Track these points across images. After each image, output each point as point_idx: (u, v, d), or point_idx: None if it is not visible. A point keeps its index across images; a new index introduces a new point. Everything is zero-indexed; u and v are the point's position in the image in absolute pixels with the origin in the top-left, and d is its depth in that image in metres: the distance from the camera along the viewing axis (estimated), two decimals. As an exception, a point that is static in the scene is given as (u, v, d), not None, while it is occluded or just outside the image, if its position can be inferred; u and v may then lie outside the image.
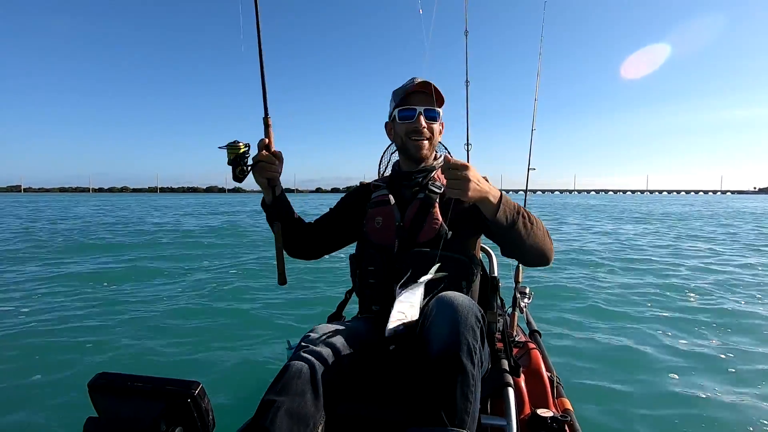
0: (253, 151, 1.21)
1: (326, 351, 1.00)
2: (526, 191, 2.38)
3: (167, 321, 3.57)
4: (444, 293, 1.04)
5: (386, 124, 1.41)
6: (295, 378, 0.93)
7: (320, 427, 0.94)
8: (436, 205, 1.27)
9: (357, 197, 1.43)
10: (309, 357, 0.97)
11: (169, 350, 2.91)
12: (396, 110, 1.31)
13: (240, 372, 2.59)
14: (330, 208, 1.45)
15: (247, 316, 3.71)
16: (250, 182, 1.25)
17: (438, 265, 1.10)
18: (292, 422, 0.87)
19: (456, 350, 0.91)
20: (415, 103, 1.29)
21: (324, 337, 1.05)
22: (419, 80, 1.29)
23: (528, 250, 1.13)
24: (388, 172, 1.58)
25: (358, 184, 1.49)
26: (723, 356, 2.75)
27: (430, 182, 1.31)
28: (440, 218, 1.25)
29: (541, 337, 1.84)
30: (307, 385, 0.93)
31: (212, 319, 3.61)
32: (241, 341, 3.09)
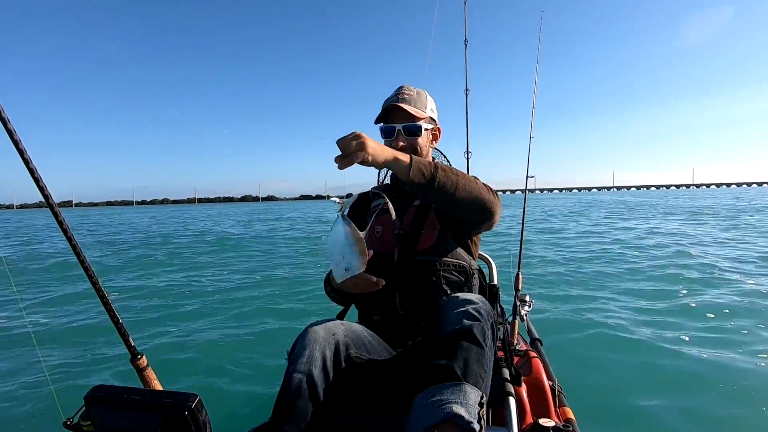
0: None
1: (324, 356, 0.98)
2: (525, 194, 2.40)
3: (164, 331, 3.55)
4: (456, 294, 1.08)
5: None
6: (296, 398, 0.92)
7: None
8: (432, 211, 1.28)
9: (358, 210, 1.43)
10: (305, 369, 0.95)
11: (167, 362, 2.89)
12: (380, 125, 1.31)
13: (238, 383, 2.56)
14: None
15: (246, 326, 3.69)
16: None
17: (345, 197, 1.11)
18: None
19: (470, 327, 0.93)
20: (394, 119, 1.28)
21: (321, 339, 1.02)
22: (401, 96, 1.28)
23: (463, 201, 1.10)
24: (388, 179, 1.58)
25: (357, 195, 1.48)
26: (742, 369, 2.65)
27: None
28: (438, 225, 1.25)
29: (542, 345, 1.83)
30: (308, 403, 0.93)
31: (210, 330, 3.58)
32: (239, 352, 3.06)
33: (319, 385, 0.95)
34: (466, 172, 1.15)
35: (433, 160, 1.11)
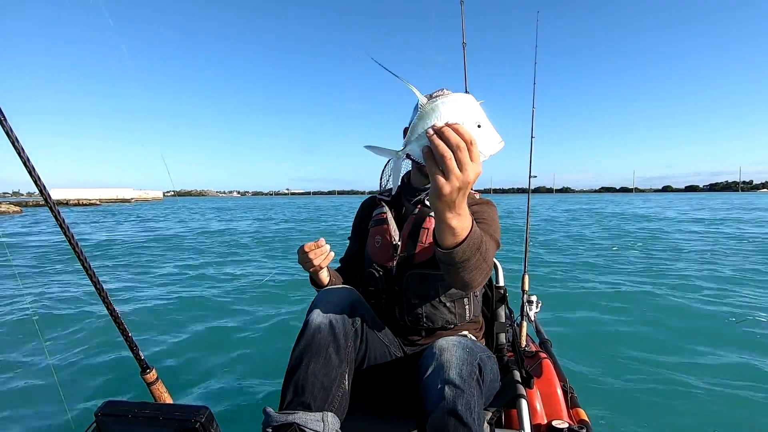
0: None
1: (342, 307, 1.03)
2: (528, 195, 2.39)
3: (173, 342, 3.55)
4: (444, 344, 0.97)
5: (405, 129, 1.34)
6: (316, 334, 0.97)
7: (347, 377, 0.98)
8: (430, 222, 1.20)
9: (365, 215, 1.41)
10: (326, 312, 1.01)
11: (177, 374, 2.89)
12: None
13: (249, 395, 2.56)
14: (348, 238, 1.44)
15: (257, 337, 3.69)
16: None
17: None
18: (321, 375, 0.93)
19: (453, 404, 0.85)
20: None
21: (338, 293, 1.07)
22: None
23: (457, 280, 0.89)
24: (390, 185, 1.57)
25: (368, 198, 1.46)
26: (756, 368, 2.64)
27: (426, 198, 1.25)
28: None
29: (551, 346, 1.82)
30: (330, 339, 0.97)
31: (218, 340, 3.59)
32: (249, 363, 3.06)
33: (338, 329, 0.99)
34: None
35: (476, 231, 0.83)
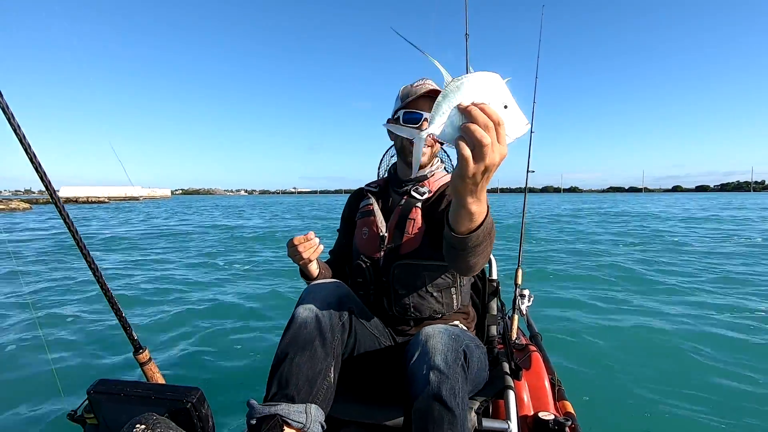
0: None
1: (329, 302, 1.03)
2: (525, 192, 2.39)
3: (166, 324, 3.57)
4: (430, 330, 0.98)
5: (389, 120, 1.31)
6: (302, 328, 0.97)
7: (332, 371, 0.97)
8: (417, 212, 1.22)
9: (353, 207, 1.40)
10: (312, 307, 1.01)
11: (171, 355, 2.91)
12: (401, 112, 1.23)
13: (240, 377, 2.59)
14: (338, 230, 1.44)
15: (250, 319, 3.71)
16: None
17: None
18: (306, 369, 0.93)
19: (438, 390, 0.86)
20: (422, 108, 1.20)
21: (326, 288, 1.07)
22: (429, 86, 1.22)
23: (461, 264, 0.89)
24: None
25: (356, 190, 1.45)
26: (741, 363, 2.69)
27: (413, 188, 1.26)
28: (423, 227, 1.20)
29: (542, 339, 1.84)
30: (315, 334, 0.97)
31: (211, 322, 3.61)
32: (241, 346, 3.08)
33: (324, 323, 0.99)
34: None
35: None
